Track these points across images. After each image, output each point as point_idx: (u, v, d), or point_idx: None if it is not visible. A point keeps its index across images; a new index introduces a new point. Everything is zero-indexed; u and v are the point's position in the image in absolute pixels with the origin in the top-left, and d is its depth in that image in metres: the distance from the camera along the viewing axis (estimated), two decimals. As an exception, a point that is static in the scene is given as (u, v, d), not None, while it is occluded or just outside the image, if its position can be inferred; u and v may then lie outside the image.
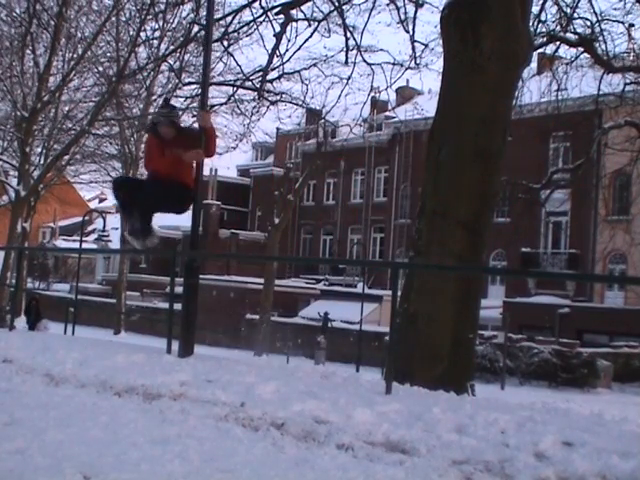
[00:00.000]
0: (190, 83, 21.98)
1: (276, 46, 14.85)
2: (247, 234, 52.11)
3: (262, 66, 16.13)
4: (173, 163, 7.33)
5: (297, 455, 3.76)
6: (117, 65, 23.78)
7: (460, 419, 4.71)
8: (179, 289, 8.26)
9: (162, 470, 3.29)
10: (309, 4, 14.94)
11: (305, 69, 18.44)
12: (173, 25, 21.10)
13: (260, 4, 14.37)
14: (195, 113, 23.62)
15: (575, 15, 15.77)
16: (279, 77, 17.21)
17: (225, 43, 15.95)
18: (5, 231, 27.89)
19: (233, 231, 51.05)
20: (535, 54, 17.68)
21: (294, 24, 15.09)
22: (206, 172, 40.85)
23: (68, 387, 5.49)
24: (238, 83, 17.54)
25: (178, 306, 8.30)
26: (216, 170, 51.25)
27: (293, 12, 14.68)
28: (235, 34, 15.69)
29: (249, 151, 55.21)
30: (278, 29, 14.43)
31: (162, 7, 18.88)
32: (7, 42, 25.85)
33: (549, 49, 17.72)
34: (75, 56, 25.22)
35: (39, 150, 28.07)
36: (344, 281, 44.86)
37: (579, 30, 16.40)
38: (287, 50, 15.70)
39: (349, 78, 17.31)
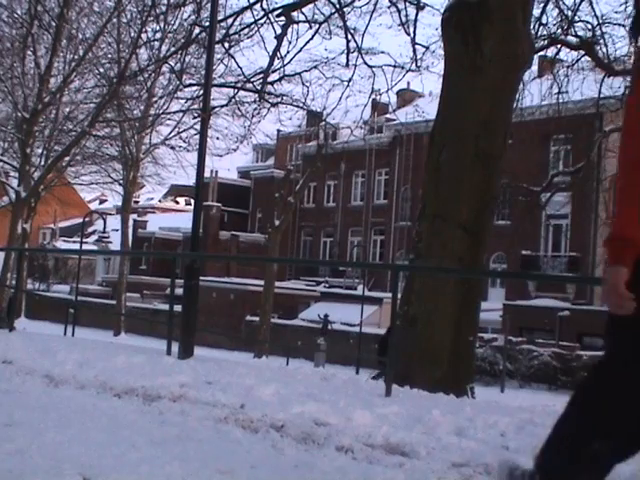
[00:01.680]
0: (191, 85, 22.01)
1: (277, 48, 14.89)
2: (247, 236, 52.11)
3: (263, 68, 16.17)
4: None
5: (296, 457, 3.76)
6: (118, 66, 23.79)
7: (460, 422, 4.71)
8: (179, 291, 8.27)
9: (161, 471, 3.29)
10: (310, 6, 14.98)
11: (306, 71, 18.44)
12: (174, 27, 21.06)
13: (261, 6, 14.42)
14: (196, 114, 23.67)
15: (576, 18, 15.82)
16: (280, 79, 17.25)
17: (226, 45, 15.99)
18: (5, 232, 27.86)
19: (233, 233, 51.04)
20: (536, 57, 17.64)
21: (295, 26, 15.14)
22: (207, 174, 40.82)
23: (68, 388, 5.49)
24: (239, 85, 17.58)
25: (178, 308, 8.32)
26: (217, 172, 51.24)
27: (294, 14, 14.71)
28: (236, 36, 15.72)
29: (250, 153, 55.20)
30: (279, 31, 14.48)
31: (163, 9, 18.90)
32: (8, 43, 25.84)
33: (550, 52, 17.74)
34: (76, 57, 25.21)
35: (40, 151, 28.04)
36: (344, 283, 44.85)
37: (580, 33, 16.43)
38: (288, 52, 15.76)
39: (350, 80, 17.37)
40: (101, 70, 25.78)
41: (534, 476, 2.47)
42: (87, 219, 42.05)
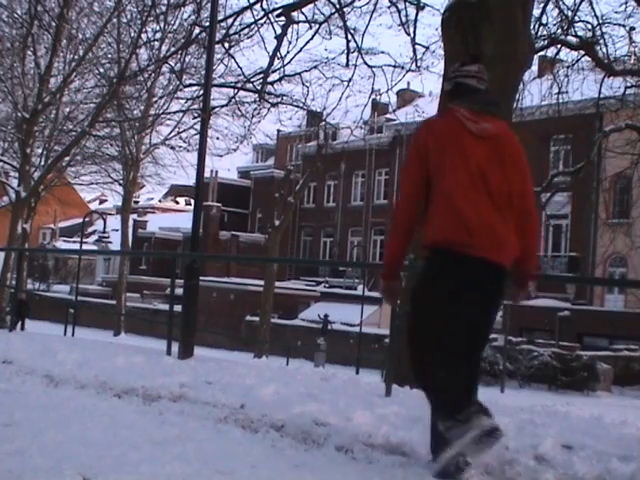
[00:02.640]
0: (191, 85, 22.02)
1: (277, 48, 14.88)
2: (247, 236, 52.10)
3: (263, 68, 16.17)
4: None
5: (296, 457, 3.76)
6: (118, 66, 23.80)
7: (460, 422, 4.70)
8: (179, 291, 8.28)
9: (161, 471, 3.29)
10: (310, 6, 14.97)
11: (306, 71, 18.46)
12: (174, 27, 21.07)
13: (261, 6, 14.41)
14: (196, 115, 23.67)
15: (576, 18, 15.82)
16: (280, 79, 17.25)
17: (226, 45, 15.99)
18: (5, 232, 27.88)
19: (233, 233, 51.03)
20: (536, 57, 17.67)
21: (295, 26, 15.14)
22: (207, 174, 40.83)
23: (68, 388, 5.49)
24: (239, 85, 17.58)
25: (178, 308, 8.32)
26: (217, 172, 51.25)
27: (294, 14, 14.70)
28: (236, 36, 15.72)
29: (250, 153, 55.21)
30: (279, 31, 14.47)
31: (163, 9, 18.89)
32: (8, 43, 25.84)
33: (550, 52, 17.76)
34: (76, 57, 25.22)
35: (40, 151, 28.05)
36: (344, 283, 44.86)
37: (580, 33, 16.44)
38: (288, 52, 15.77)
39: (350, 80, 17.38)
40: (101, 70, 25.79)
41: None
42: (87, 219, 42.04)
